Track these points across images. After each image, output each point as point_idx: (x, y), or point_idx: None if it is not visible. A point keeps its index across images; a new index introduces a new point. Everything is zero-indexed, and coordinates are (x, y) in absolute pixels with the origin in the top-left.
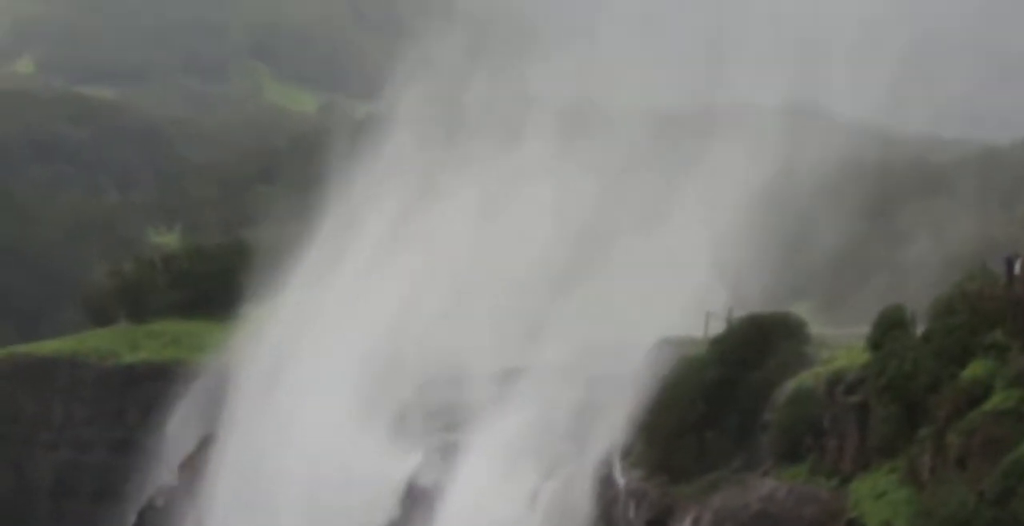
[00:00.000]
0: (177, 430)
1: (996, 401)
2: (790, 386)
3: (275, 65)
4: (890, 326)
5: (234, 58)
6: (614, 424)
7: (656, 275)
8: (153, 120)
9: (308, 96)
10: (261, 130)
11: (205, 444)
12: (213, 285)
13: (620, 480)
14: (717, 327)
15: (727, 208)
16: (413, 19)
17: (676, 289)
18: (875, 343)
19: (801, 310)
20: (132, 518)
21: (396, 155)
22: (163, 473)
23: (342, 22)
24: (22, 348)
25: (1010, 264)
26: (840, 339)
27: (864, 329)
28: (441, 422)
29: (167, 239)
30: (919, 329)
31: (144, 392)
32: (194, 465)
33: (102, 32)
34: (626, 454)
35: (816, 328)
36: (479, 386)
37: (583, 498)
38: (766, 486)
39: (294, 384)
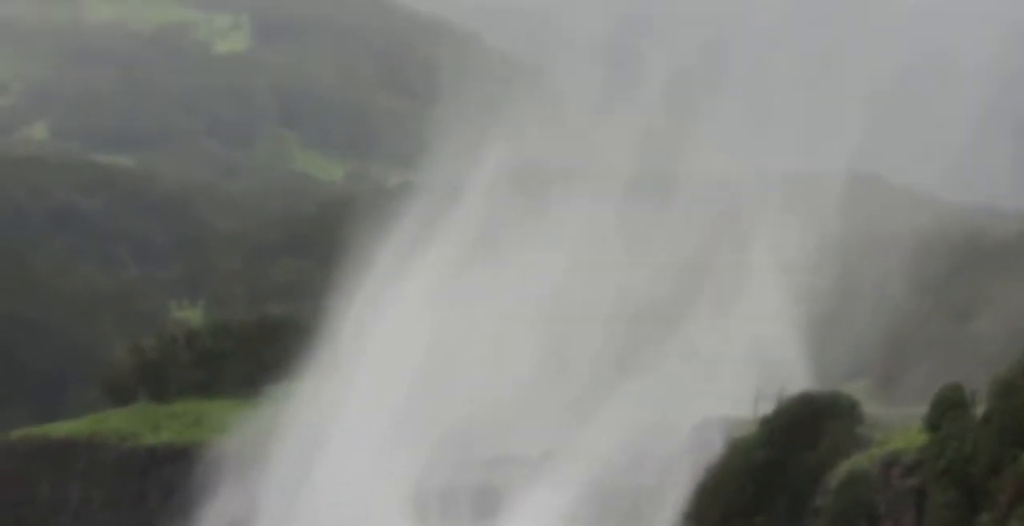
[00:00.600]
0: (203, 517)
1: None
2: (843, 469)
3: (302, 130)
4: (948, 406)
5: (259, 123)
6: (660, 508)
7: (707, 351)
8: (174, 188)
9: (336, 163)
10: (288, 198)
11: None
12: (238, 362)
13: None
14: (766, 407)
15: (781, 282)
16: (445, 84)
17: (726, 367)
18: (933, 424)
19: (854, 389)
20: None
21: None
22: None
23: (371, 87)
24: (38, 429)
25: None
26: (896, 419)
27: (921, 409)
28: (481, 506)
29: (190, 314)
30: (979, 409)
31: (166, 475)
32: None
33: (119, 96)
34: None
35: (870, 408)
36: (520, 468)
37: None
38: None
39: (327, 470)
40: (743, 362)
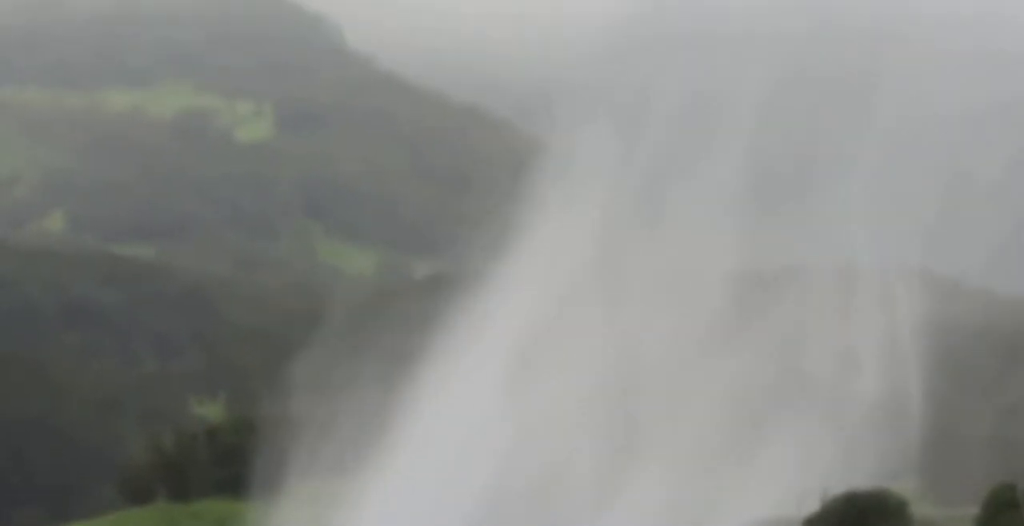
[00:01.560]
0: None
1: None
2: None
3: (327, 221)
4: (1000, 506)
5: (283, 213)
6: None
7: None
8: (194, 281)
9: (363, 254)
10: (312, 290)
11: None
12: (262, 461)
13: None
14: (811, 506)
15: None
16: (473, 170)
17: (767, 465)
18: (984, 524)
19: (903, 488)
20: None
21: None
22: None
23: (398, 175)
24: None
25: None
26: (946, 520)
27: (972, 510)
28: None
29: (211, 410)
30: None
31: None
32: None
33: (138, 185)
34: None
35: (919, 507)
36: None
37: None
38: None
39: None
40: (787, 460)
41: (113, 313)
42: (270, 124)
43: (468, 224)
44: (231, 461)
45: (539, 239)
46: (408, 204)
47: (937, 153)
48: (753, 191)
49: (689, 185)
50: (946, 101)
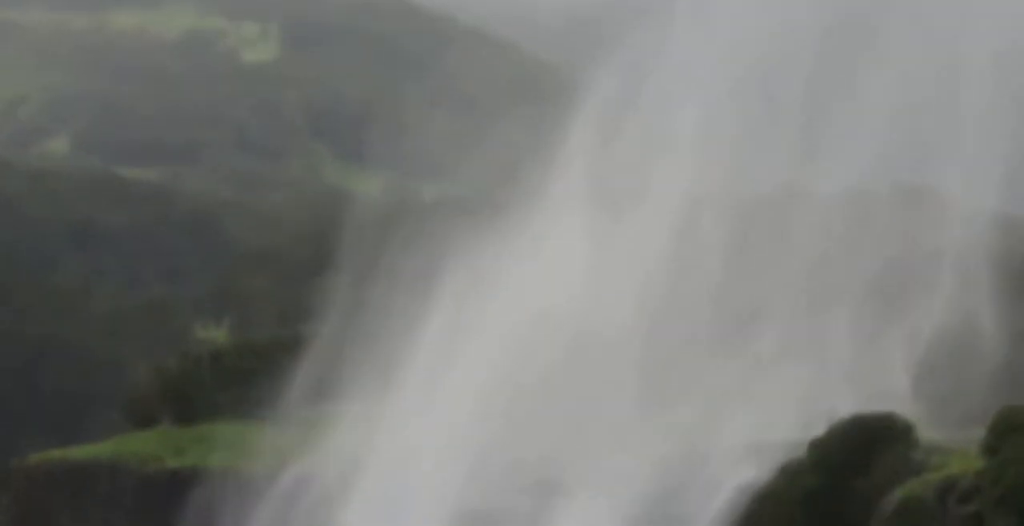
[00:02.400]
0: None
1: None
2: (898, 495)
3: (334, 144)
4: (1008, 429)
5: (290, 136)
6: None
7: (753, 372)
8: (200, 204)
9: (370, 176)
10: (320, 214)
11: None
12: (265, 385)
13: None
14: (816, 430)
15: (831, 300)
16: (480, 93)
17: (772, 386)
18: (991, 448)
19: (909, 411)
20: None
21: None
22: None
23: (406, 98)
24: (57, 453)
25: None
26: (952, 443)
27: (978, 432)
28: None
29: (216, 334)
30: None
31: (190, 501)
32: None
33: (144, 108)
34: None
35: (926, 431)
36: (557, 496)
37: None
38: None
39: (361, 501)
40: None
41: (119, 236)
42: (276, 46)
43: (475, 147)
44: (236, 385)
45: (550, 163)
46: (415, 126)
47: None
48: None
49: (704, 109)
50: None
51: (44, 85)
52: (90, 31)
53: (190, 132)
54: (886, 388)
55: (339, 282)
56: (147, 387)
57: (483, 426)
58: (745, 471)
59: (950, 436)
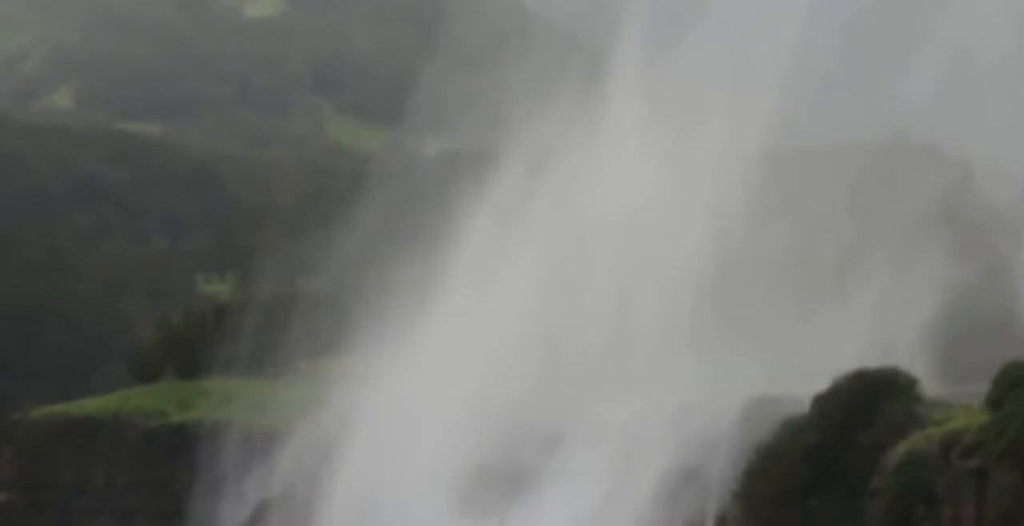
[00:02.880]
0: (230, 498)
1: None
2: (900, 450)
3: (337, 98)
4: (1011, 384)
5: (293, 91)
6: (708, 490)
7: (756, 328)
8: (204, 159)
9: (373, 132)
10: (322, 169)
11: (260, 511)
12: (269, 339)
13: None
14: (820, 384)
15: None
16: (484, 49)
17: (769, 342)
18: (995, 402)
19: (913, 367)
20: None
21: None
22: None
23: (408, 53)
24: (61, 408)
25: None
26: (955, 398)
27: (982, 387)
28: (519, 482)
29: (219, 289)
30: None
31: (194, 455)
32: None
33: (147, 62)
34: (721, 522)
35: (929, 386)
36: (561, 446)
37: None
38: None
39: (362, 449)
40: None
41: (122, 191)
42: (279, 0)
43: (478, 102)
44: (239, 339)
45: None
46: (416, 82)
47: None
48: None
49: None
50: None
51: (46, 39)
52: None
53: (193, 87)
54: (891, 342)
55: (342, 236)
56: (151, 342)
57: (500, 379)
58: (750, 426)
59: (954, 391)
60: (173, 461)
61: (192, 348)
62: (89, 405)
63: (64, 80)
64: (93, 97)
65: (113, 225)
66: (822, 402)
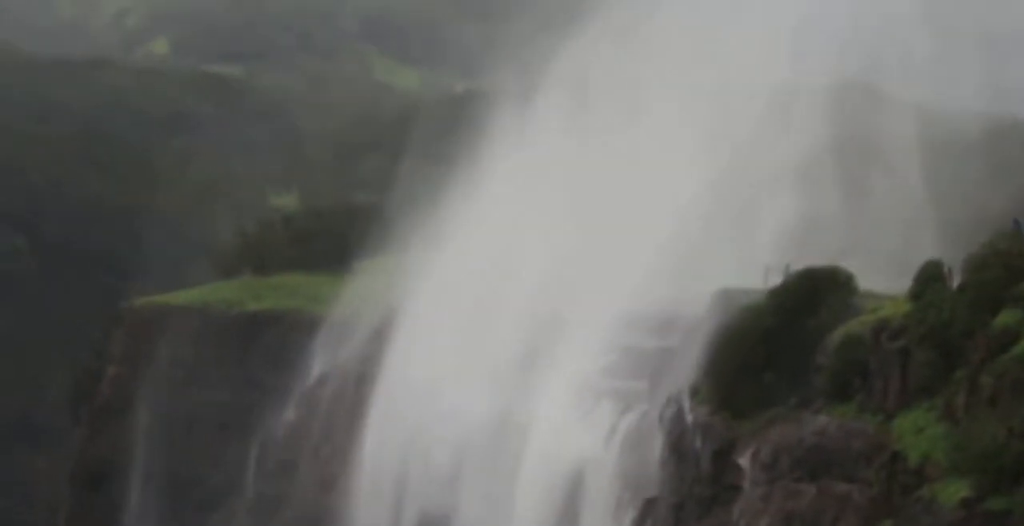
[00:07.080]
0: (297, 372)
1: None
2: (840, 333)
3: (381, 45)
4: (929, 279)
5: (345, 40)
6: (683, 366)
7: (723, 233)
8: (274, 96)
9: (411, 73)
10: (370, 103)
11: (321, 382)
12: (328, 243)
13: (689, 416)
14: (775, 280)
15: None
16: (508, 6)
17: (740, 246)
18: (916, 295)
19: (859, 266)
20: (255, 449)
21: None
22: (283, 409)
23: (442, 9)
24: (159, 298)
25: (1016, 225)
26: (886, 291)
27: (907, 283)
28: (536, 363)
29: (287, 201)
30: (955, 282)
31: (266, 337)
32: (310, 401)
33: (228, 16)
34: (694, 393)
35: (870, 283)
36: (561, 331)
37: (656, 431)
38: (819, 422)
39: (406, 330)
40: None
41: (208, 122)
42: None
43: (504, 48)
44: (303, 243)
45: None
46: (449, 31)
47: None
48: None
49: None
50: None
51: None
52: None
53: (265, 36)
54: (834, 245)
55: (388, 158)
56: (232, 245)
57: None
58: (719, 312)
59: (885, 286)
60: (250, 342)
61: (265, 251)
62: (182, 296)
63: (160, 31)
64: (184, 45)
65: (200, 149)
66: (777, 294)
